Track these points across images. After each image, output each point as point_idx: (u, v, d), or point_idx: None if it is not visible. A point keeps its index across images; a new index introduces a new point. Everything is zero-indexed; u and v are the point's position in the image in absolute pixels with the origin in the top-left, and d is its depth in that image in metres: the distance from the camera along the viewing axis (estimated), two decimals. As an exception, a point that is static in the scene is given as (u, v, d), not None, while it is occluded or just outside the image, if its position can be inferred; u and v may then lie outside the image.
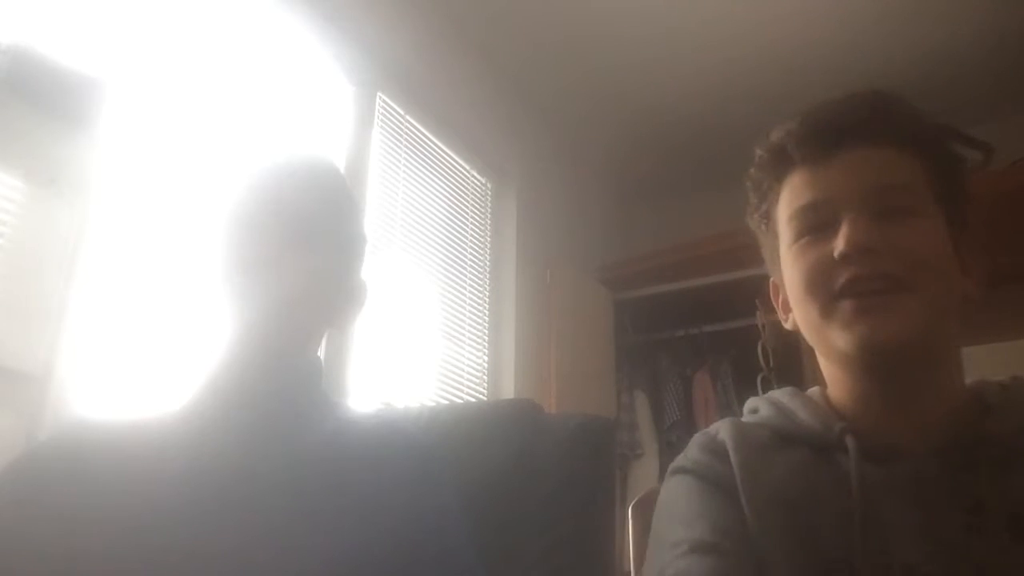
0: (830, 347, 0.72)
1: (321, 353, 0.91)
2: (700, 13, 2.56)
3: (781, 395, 0.81)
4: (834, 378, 0.76)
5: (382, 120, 2.29)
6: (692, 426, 2.90)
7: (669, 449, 2.92)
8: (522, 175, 2.89)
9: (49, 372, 1.25)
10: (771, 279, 0.83)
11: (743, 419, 0.82)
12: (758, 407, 0.82)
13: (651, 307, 3.09)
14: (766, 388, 0.85)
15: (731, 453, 0.74)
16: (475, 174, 2.73)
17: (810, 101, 0.77)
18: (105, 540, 0.70)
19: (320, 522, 0.72)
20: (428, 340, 2.30)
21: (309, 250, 0.84)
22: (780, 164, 0.77)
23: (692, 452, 0.78)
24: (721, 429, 0.79)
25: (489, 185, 2.80)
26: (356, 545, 0.71)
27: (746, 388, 2.68)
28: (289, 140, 1.93)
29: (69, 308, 1.30)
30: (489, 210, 2.77)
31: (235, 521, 0.72)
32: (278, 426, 0.81)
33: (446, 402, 2.27)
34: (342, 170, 1.89)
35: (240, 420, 0.80)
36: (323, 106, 2.11)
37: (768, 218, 0.80)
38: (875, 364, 0.70)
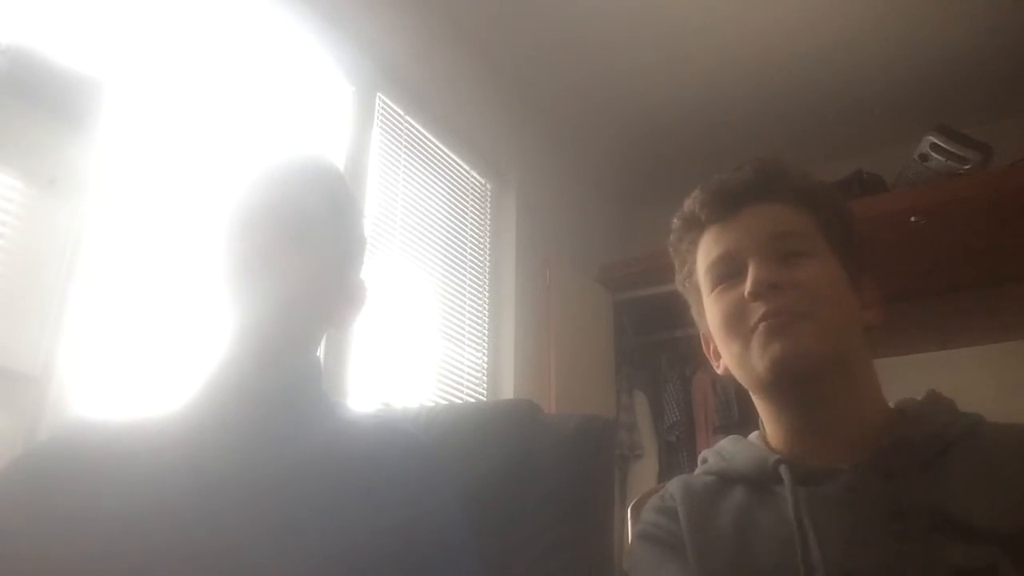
0: (753, 377, 0.81)
1: (321, 353, 0.91)
2: (700, 14, 2.56)
3: (725, 443, 0.89)
4: (766, 413, 0.85)
5: (382, 121, 2.29)
6: (692, 426, 2.90)
7: (669, 449, 2.92)
8: (522, 175, 2.89)
9: (49, 372, 1.25)
10: (701, 333, 0.92)
11: (694, 472, 0.90)
12: (707, 458, 0.89)
13: (651, 307, 3.08)
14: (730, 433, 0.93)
15: (679, 509, 0.82)
16: (475, 174, 2.73)
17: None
18: (105, 540, 0.70)
19: (319, 522, 0.72)
20: (428, 340, 2.30)
21: (309, 250, 0.84)
22: (693, 228, 0.89)
23: (647, 515, 0.86)
24: (671, 488, 0.86)
25: (489, 185, 2.80)
26: (356, 545, 0.71)
27: (745, 389, 2.68)
28: (289, 140, 1.93)
29: (69, 308, 1.30)
30: (489, 210, 2.77)
31: (234, 521, 0.72)
32: (277, 426, 0.81)
33: (445, 402, 2.27)
34: (342, 170, 1.89)
35: (239, 420, 0.80)
36: (323, 106, 2.11)
37: (690, 278, 0.91)
38: (792, 386, 0.79)
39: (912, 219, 2.45)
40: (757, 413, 0.87)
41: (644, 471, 2.88)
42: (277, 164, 0.90)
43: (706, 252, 0.87)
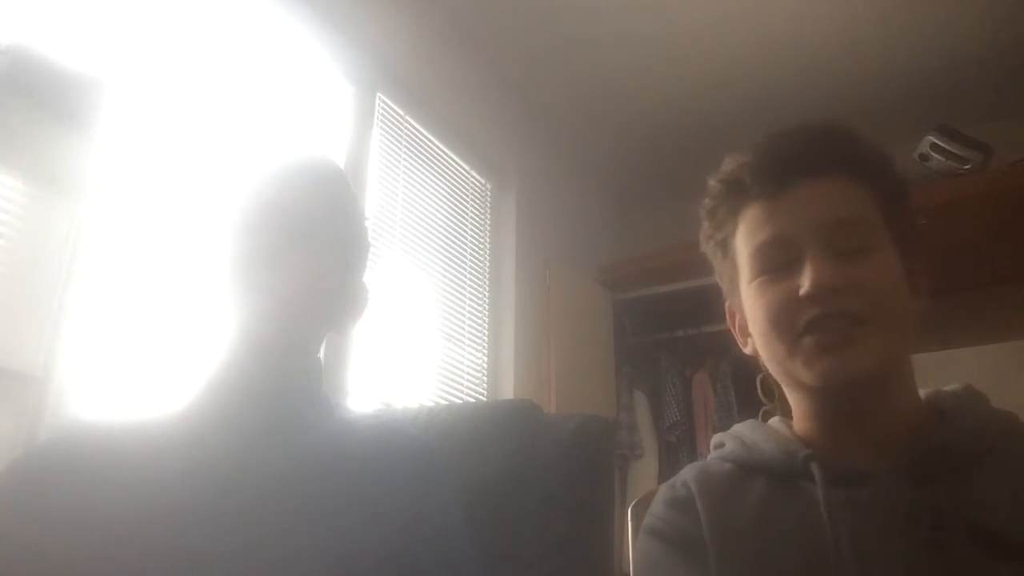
0: (794, 380, 0.74)
1: (321, 353, 0.91)
2: (701, 14, 2.56)
3: (744, 428, 0.83)
4: (797, 404, 0.78)
5: (382, 120, 2.29)
6: (692, 426, 2.90)
7: (669, 449, 2.92)
8: (522, 175, 2.89)
9: (49, 372, 1.25)
10: (727, 303, 0.84)
11: (708, 458, 0.84)
12: (723, 442, 0.83)
13: (651, 307, 3.08)
14: (766, 419, 0.86)
15: (697, 501, 0.75)
16: (475, 174, 2.73)
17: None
18: (105, 541, 0.70)
19: (320, 522, 0.72)
20: (428, 340, 2.30)
21: (312, 251, 0.84)
22: (736, 196, 0.78)
23: (658, 508, 0.79)
24: (686, 477, 0.80)
25: (489, 185, 2.80)
26: (356, 545, 0.71)
27: (746, 388, 2.68)
28: (289, 140, 1.93)
29: (68, 308, 1.30)
30: (489, 210, 2.77)
31: (235, 522, 0.72)
32: (278, 427, 0.81)
33: (445, 402, 2.27)
34: (344, 172, 1.89)
35: (240, 420, 0.80)
36: (323, 106, 2.10)
37: (725, 247, 0.81)
38: (839, 398, 0.73)
39: (919, 219, 2.44)
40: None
41: (644, 471, 2.88)
42: (282, 166, 0.90)
43: (751, 230, 0.76)
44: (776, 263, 0.74)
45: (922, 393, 0.78)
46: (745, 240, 0.77)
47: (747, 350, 0.81)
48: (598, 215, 3.46)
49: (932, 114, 2.71)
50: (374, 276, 2.09)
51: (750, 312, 0.78)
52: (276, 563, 0.69)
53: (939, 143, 2.54)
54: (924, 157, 2.56)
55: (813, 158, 0.75)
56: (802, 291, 0.70)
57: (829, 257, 0.71)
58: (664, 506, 0.78)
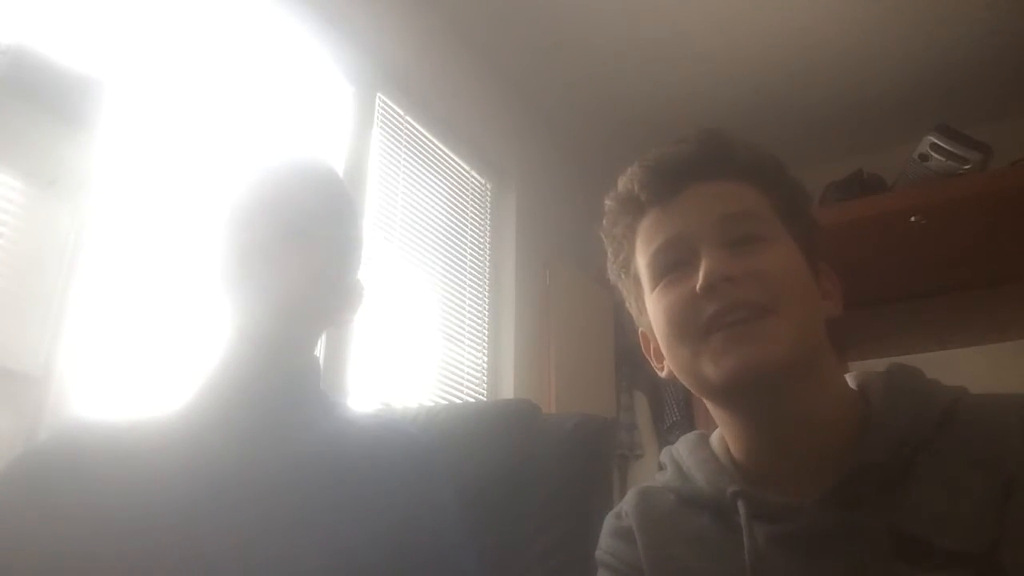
0: (705, 385, 0.71)
1: (321, 353, 0.91)
2: (701, 14, 2.56)
3: (684, 449, 0.81)
4: (723, 422, 0.76)
5: (382, 120, 2.29)
6: (692, 426, 2.90)
7: (669, 449, 2.92)
8: (522, 175, 2.89)
9: (49, 372, 1.25)
10: (640, 330, 0.83)
11: (653, 481, 0.82)
12: (664, 463, 0.81)
13: (651, 307, 3.08)
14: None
15: (636, 534, 0.75)
16: (475, 174, 2.73)
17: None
18: (105, 540, 0.70)
19: (318, 521, 0.72)
20: (428, 340, 2.30)
21: (309, 248, 0.85)
22: (630, 210, 0.78)
23: (604, 540, 0.79)
24: (627, 506, 0.79)
25: (489, 185, 2.80)
26: (354, 545, 0.72)
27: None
28: (288, 140, 1.93)
29: (69, 308, 1.30)
30: (489, 210, 2.77)
31: (234, 520, 0.72)
32: (277, 425, 0.81)
33: (445, 402, 2.27)
34: (342, 170, 1.88)
35: (240, 419, 0.80)
36: (323, 106, 2.10)
37: (627, 267, 0.80)
38: (749, 396, 0.70)
39: (912, 219, 2.45)
40: None
41: (644, 471, 2.87)
42: (276, 163, 0.91)
43: (647, 239, 0.76)
44: (672, 265, 0.73)
45: (852, 381, 0.75)
46: (643, 251, 0.77)
47: (663, 375, 0.79)
48: (598, 215, 3.45)
49: (932, 114, 2.71)
50: (374, 276, 2.09)
51: (654, 323, 0.76)
52: (274, 561, 0.69)
53: (939, 143, 2.53)
54: (924, 157, 2.56)
55: (702, 162, 0.75)
56: (698, 285, 0.69)
57: (723, 249, 0.70)
58: (609, 538, 0.79)
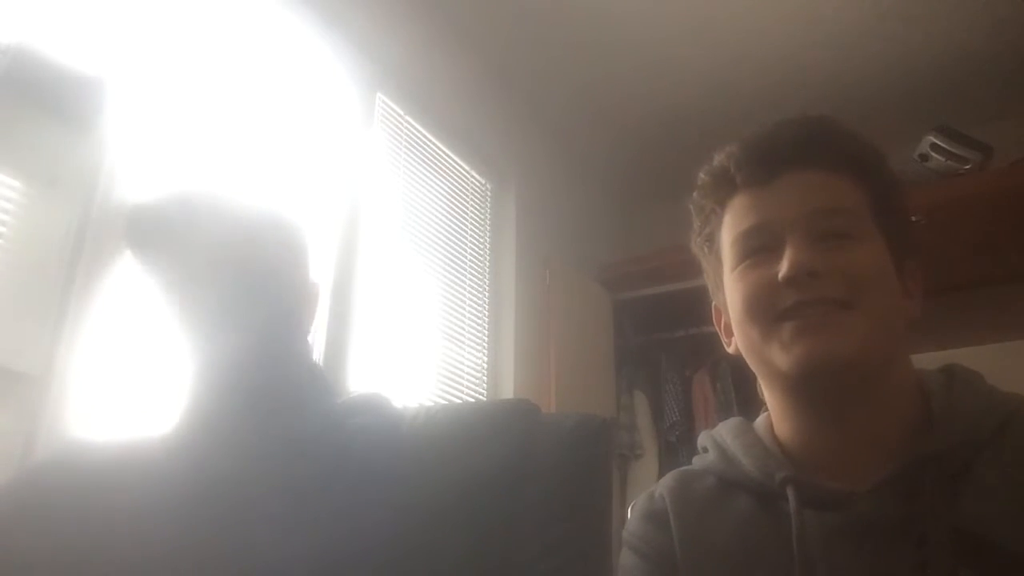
0: (771, 370, 0.71)
1: (320, 353, 0.91)
2: (700, 14, 2.56)
3: (727, 433, 0.80)
4: (778, 409, 0.75)
5: (382, 121, 2.29)
6: (692, 426, 2.90)
7: (669, 449, 2.92)
8: (522, 175, 2.89)
9: (49, 372, 1.25)
10: (713, 303, 0.83)
11: (691, 465, 0.82)
12: (707, 446, 0.81)
13: (651, 307, 3.08)
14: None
15: (671, 518, 0.74)
16: (475, 175, 2.73)
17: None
18: (101, 556, 0.71)
19: (315, 522, 0.72)
20: (428, 340, 2.30)
21: (257, 298, 0.85)
22: (722, 188, 0.77)
23: (633, 523, 0.78)
24: (664, 488, 0.78)
25: (489, 186, 2.80)
26: (351, 545, 0.72)
27: (745, 388, 2.68)
28: (288, 140, 1.93)
29: (69, 308, 1.30)
30: (489, 211, 2.77)
31: (235, 523, 0.72)
32: (274, 426, 0.81)
33: (445, 402, 2.27)
34: (341, 170, 1.88)
35: (236, 423, 0.80)
36: (323, 106, 2.11)
37: (711, 241, 0.80)
38: (816, 388, 0.69)
39: (912, 219, 2.45)
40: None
41: (644, 471, 2.88)
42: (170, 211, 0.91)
43: (736, 220, 0.75)
44: (757, 249, 0.73)
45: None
46: (729, 230, 0.76)
47: (731, 350, 0.78)
48: (598, 215, 3.46)
49: (932, 114, 2.71)
50: (374, 276, 2.10)
51: (730, 300, 0.75)
52: (272, 561, 0.69)
53: (939, 143, 2.54)
54: (924, 157, 2.56)
55: (802, 149, 0.74)
56: (781, 275, 0.68)
57: (810, 242, 0.69)
58: (639, 520, 0.78)
